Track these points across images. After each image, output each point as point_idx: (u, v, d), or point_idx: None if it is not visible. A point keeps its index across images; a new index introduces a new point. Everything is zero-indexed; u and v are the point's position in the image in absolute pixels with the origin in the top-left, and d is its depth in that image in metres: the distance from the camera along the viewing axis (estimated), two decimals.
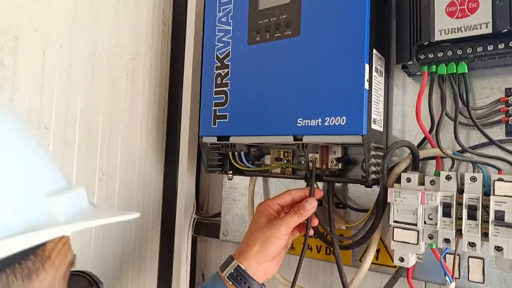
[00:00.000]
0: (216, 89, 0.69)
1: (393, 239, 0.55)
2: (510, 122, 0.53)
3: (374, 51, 0.57)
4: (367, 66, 0.54)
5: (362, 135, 0.54)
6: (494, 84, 0.56)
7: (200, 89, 0.72)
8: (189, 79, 0.86)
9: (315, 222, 0.62)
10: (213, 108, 0.69)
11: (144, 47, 0.85)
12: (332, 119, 0.56)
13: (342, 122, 0.55)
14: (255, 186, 0.78)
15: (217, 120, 0.68)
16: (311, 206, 0.59)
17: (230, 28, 0.68)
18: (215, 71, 0.69)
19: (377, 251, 0.63)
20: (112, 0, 0.77)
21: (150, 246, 0.87)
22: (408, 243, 0.54)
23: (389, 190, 0.54)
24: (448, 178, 0.53)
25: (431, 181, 0.55)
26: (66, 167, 0.68)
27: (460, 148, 0.55)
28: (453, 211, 0.51)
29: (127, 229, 0.81)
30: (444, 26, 0.51)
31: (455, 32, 0.50)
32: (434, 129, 0.57)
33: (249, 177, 0.76)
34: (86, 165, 0.72)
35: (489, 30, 0.48)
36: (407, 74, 0.60)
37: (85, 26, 0.71)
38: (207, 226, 0.86)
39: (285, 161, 0.71)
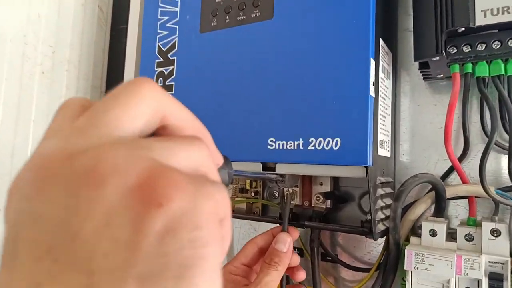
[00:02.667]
0: None
1: None
2: None
3: (381, 42, 0.39)
4: (372, 62, 0.36)
5: (367, 167, 0.35)
6: None
7: None
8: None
9: (301, 275, 0.43)
10: None
11: (71, 38, 0.64)
12: (320, 142, 0.37)
13: (335, 146, 0.36)
14: None
15: None
16: (286, 245, 0.40)
17: (177, 9, 0.49)
18: (156, 69, 0.50)
19: None
20: None
21: None
22: None
23: (407, 251, 0.36)
24: (495, 233, 0.35)
25: (466, 236, 0.37)
26: None
27: (508, 186, 0.37)
28: (508, 286, 0.33)
29: None
30: (491, 5, 0.34)
31: (507, 12, 0.33)
32: (467, 156, 0.39)
33: None
34: None
35: None
36: (425, 77, 0.43)
37: None
38: None
39: (253, 194, 0.51)
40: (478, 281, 0.34)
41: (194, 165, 0.15)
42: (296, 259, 0.43)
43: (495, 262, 0.34)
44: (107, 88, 0.69)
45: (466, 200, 0.41)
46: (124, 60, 0.67)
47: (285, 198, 0.45)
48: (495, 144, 0.38)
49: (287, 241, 0.40)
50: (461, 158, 0.40)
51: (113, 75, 0.69)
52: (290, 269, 0.42)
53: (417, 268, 0.35)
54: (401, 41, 0.46)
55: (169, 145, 0.14)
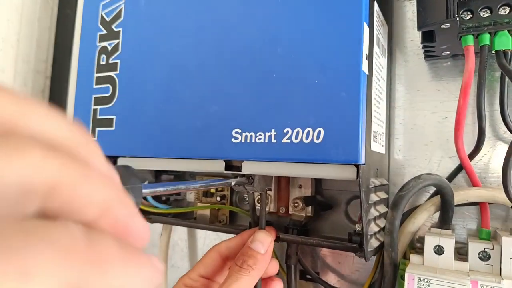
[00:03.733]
0: (97, 75, 0.39)
1: None
2: None
3: (376, 6, 0.31)
4: (366, 28, 0.28)
5: (358, 165, 0.27)
6: None
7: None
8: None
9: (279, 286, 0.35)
10: (92, 107, 0.39)
11: (8, 11, 0.54)
12: (297, 133, 0.28)
13: (317, 138, 0.28)
14: (174, 236, 0.49)
15: (97, 128, 0.39)
16: (265, 245, 0.32)
17: None
18: (98, 44, 0.40)
19: None
20: None
21: None
22: None
23: (407, 275, 0.27)
24: None
25: (480, 254, 0.29)
26: None
27: None
28: None
29: None
30: None
31: None
32: (480, 152, 0.31)
33: (161, 224, 0.47)
34: None
35: None
36: (427, 55, 0.35)
37: None
38: None
39: (218, 199, 0.42)
40: None
41: None
42: (275, 267, 0.34)
43: None
44: (53, 73, 0.59)
45: (474, 208, 0.34)
46: (71, 40, 0.57)
47: (258, 196, 0.37)
48: None
49: (266, 241, 0.32)
50: (472, 155, 0.32)
51: (61, 57, 0.59)
52: (265, 280, 0.34)
53: None
54: (396, 11, 0.38)
55: None
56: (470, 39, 0.29)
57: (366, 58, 0.28)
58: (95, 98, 0.39)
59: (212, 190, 0.43)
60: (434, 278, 0.26)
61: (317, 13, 0.28)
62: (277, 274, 0.37)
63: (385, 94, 0.35)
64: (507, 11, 0.27)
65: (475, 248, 0.29)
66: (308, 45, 0.28)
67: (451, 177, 0.34)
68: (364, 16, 0.27)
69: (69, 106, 0.55)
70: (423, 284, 0.27)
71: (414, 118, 0.37)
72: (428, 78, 0.37)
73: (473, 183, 0.32)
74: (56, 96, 0.58)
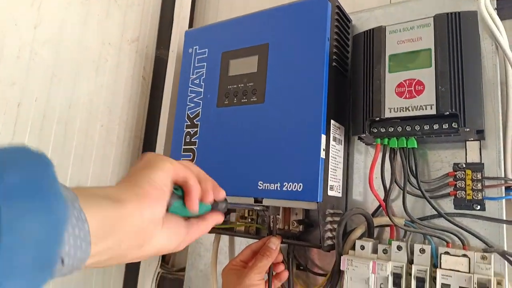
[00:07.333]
0: (184, 147, 0.71)
1: None
2: (457, 196, 0.56)
3: (332, 121, 0.61)
4: (323, 136, 0.57)
5: (317, 202, 0.56)
6: (444, 158, 0.60)
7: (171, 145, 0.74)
8: (163, 133, 0.89)
9: (285, 275, 0.63)
10: None
11: (122, 100, 0.88)
12: (290, 185, 0.58)
13: (299, 188, 0.57)
14: (221, 243, 0.78)
15: None
16: (275, 244, 0.60)
17: (202, 90, 0.72)
18: (185, 129, 0.72)
19: None
20: (93, 55, 0.80)
21: None
22: None
23: (342, 257, 0.55)
24: (399, 248, 0.54)
25: (383, 250, 0.56)
26: None
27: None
28: (403, 282, 0.52)
29: (87, 278, 0.79)
30: (394, 105, 0.55)
31: (403, 111, 0.54)
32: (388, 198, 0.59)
33: (214, 234, 0.76)
34: None
35: (433, 111, 0.52)
36: (365, 143, 0.64)
37: (63, 82, 0.74)
38: (171, 281, 0.84)
39: (250, 220, 0.72)
40: (387, 278, 0.53)
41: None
42: (280, 257, 0.63)
43: (397, 266, 0.53)
44: (145, 137, 0.92)
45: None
46: (158, 118, 0.90)
47: (272, 218, 0.66)
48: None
49: (276, 242, 0.60)
50: (385, 199, 0.59)
51: (150, 128, 0.92)
52: (275, 265, 0.62)
53: (348, 269, 0.54)
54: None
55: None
56: (378, 140, 0.58)
57: (323, 150, 0.57)
58: (183, 159, 0.70)
59: (246, 215, 0.72)
60: (354, 259, 0.54)
61: (299, 130, 0.58)
62: (284, 265, 0.65)
63: (342, 164, 0.64)
64: (392, 130, 0.56)
65: (380, 248, 0.56)
66: (295, 146, 0.58)
67: (377, 210, 0.61)
68: (323, 130, 0.57)
69: None
70: (349, 262, 0.54)
71: (365, 174, 0.66)
72: (372, 152, 0.66)
73: (386, 214, 0.59)
74: (147, 150, 0.91)
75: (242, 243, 0.77)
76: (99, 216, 0.28)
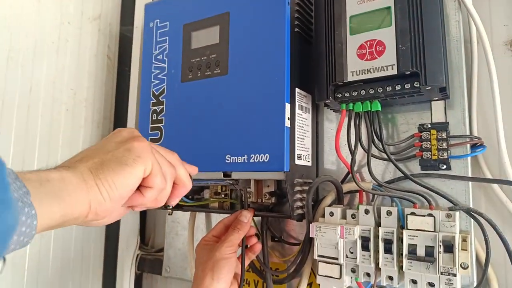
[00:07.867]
0: (151, 125, 0.69)
1: (318, 274, 0.56)
2: (423, 156, 0.56)
3: (297, 89, 0.59)
4: (287, 105, 0.56)
5: (285, 172, 0.55)
6: (410, 120, 0.59)
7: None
8: (134, 112, 0.86)
9: (258, 247, 0.63)
10: None
11: (87, 82, 0.85)
12: (257, 156, 0.57)
13: (266, 159, 0.56)
14: (197, 221, 0.77)
15: None
16: (246, 217, 0.60)
17: (165, 65, 0.70)
18: (151, 107, 0.70)
19: (310, 284, 0.63)
20: (51, 36, 0.77)
21: (91, 283, 0.84)
22: (332, 277, 0.55)
23: (311, 225, 0.55)
24: (366, 212, 0.54)
25: (352, 215, 0.56)
26: None
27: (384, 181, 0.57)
28: (371, 245, 0.53)
29: (65, 264, 0.78)
30: (356, 68, 0.54)
31: (365, 73, 0.53)
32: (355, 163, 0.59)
33: (189, 212, 0.76)
34: None
35: (394, 71, 0.51)
36: (332, 110, 0.63)
37: (20, 65, 0.71)
38: (151, 262, 0.84)
39: (223, 195, 0.71)
40: (356, 242, 0.53)
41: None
42: (252, 230, 0.62)
43: (365, 230, 0.53)
44: (115, 118, 0.90)
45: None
46: (127, 97, 0.88)
47: (243, 192, 0.65)
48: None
49: (247, 215, 0.60)
50: (351, 164, 0.59)
51: (119, 108, 0.89)
52: (248, 238, 0.62)
53: (317, 235, 0.54)
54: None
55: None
56: (343, 106, 0.57)
57: (288, 119, 0.56)
58: (150, 139, 0.69)
59: (219, 191, 0.71)
60: (322, 226, 0.54)
61: (264, 99, 0.57)
62: (258, 238, 0.65)
63: (310, 133, 0.63)
64: (355, 94, 0.55)
65: (349, 213, 0.56)
66: (261, 115, 0.57)
67: (346, 176, 0.61)
68: (287, 99, 0.56)
69: None
70: (318, 229, 0.54)
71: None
72: (336, 120, 0.65)
73: (354, 179, 0.59)
74: None
75: (218, 220, 0.76)
76: (49, 213, 0.29)
